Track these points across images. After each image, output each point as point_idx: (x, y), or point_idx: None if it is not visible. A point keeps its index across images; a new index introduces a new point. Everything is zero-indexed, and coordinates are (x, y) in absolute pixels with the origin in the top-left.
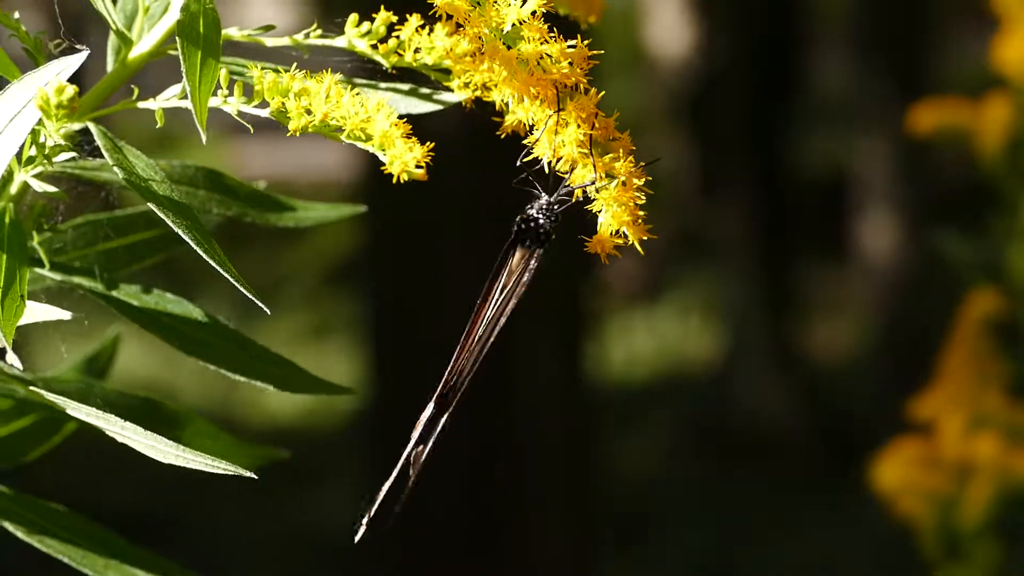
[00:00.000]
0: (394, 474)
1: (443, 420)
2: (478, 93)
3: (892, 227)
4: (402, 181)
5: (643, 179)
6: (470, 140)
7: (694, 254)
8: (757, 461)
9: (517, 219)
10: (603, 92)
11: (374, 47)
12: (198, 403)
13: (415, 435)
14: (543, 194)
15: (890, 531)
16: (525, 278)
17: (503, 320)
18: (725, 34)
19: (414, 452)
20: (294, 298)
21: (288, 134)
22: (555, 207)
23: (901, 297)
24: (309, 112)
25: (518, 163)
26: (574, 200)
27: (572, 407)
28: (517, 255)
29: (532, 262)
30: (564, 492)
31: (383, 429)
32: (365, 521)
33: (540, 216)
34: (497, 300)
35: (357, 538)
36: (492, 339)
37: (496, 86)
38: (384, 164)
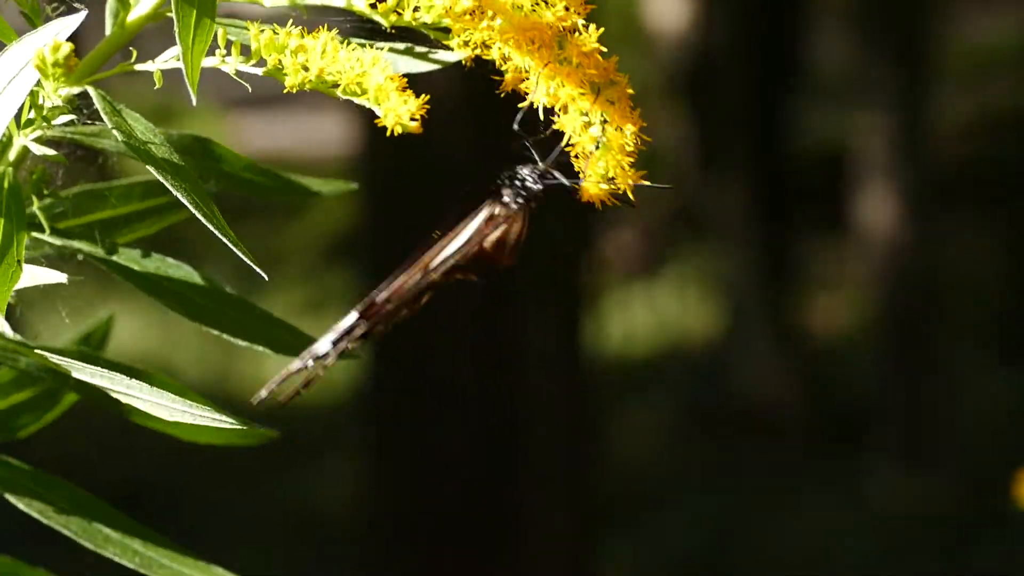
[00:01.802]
0: (297, 363)
1: (357, 333)
2: (477, 51)
3: (892, 204)
4: (396, 134)
5: (638, 124)
6: (470, 114)
7: (693, 230)
8: (756, 438)
9: (502, 176)
10: (603, 29)
11: (372, 6)
12: (194, 381)
13: (331, 334)
14: (538, 161)
15: (888, 509)
16: (491, 233)
17: (447, 265)
18: (724, 9)
19: (324, 352)
20: (291, 273)
21: (285, 90)
22: (547, 175)
23: (900, 274)
24: (306, 69)
25: (515, 124)
26: (567, 177)
27: (570, 384)
28: (488, 209)
29: (502, 222)
30: (563, 470)
31: (380, 405)
32: (263, 395)
33: (528, 178)
34: (456, 247)
35: (254, 400)
36: (434, 282)
37: (495, 43)
38: (379, 118)
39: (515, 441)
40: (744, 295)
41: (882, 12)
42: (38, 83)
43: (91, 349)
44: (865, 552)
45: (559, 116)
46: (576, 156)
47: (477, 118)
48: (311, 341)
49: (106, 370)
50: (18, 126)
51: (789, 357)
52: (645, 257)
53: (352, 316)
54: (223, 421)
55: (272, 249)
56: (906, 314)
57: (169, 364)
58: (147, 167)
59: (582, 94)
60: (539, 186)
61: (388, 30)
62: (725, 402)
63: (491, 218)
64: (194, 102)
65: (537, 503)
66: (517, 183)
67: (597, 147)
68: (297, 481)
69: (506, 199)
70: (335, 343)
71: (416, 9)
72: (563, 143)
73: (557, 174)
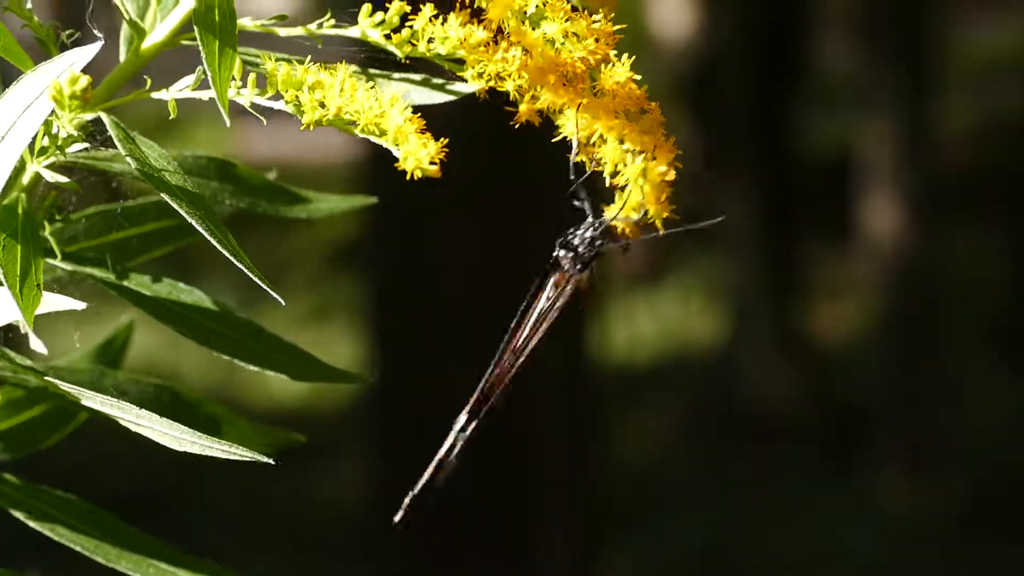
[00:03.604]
0: (425, 477)
1: (472, 427)
2: (492, 83)
3: (896, 209)
4: (415, 178)
5: (673, 154)
6: (472, 120)
7: (697, 236)
8: (760, 443)
9: (560, 243)
10: (634, 57)
11: (387, 37)
12: (200, 385)
13: (447, 443)
14: (589, 215)
15: (891, 512)
16: (560, 303)
17: (534, 343)
18: (728, 15)
19: (447, 458)
20: (297, 279)
21: (302, 128)
22: (599, 242)
23: (904, 279)
24: (323, 105)
25: (571, 174)
26: (618, 236)
27: (575, 389)
28: (554, 279)
29: (568, 287)
30: (567, 475)
31: (385, 409)
32: (400, 513)
33: (583, 249)
34: (532, 321)
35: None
36: (523, 359)
37: (510, 76)
38: (398, 160)
39: (520, 447)
40: (748, 301)
41: (886, 17)
42: (52, 112)
43: (108, 363)
44: (868, 555)
45: (596, 147)
46: (615, 188)
47: (478, 124)
48: (320, 364)
49: (115, 399)
50: (32, 153)
51: (793, 362)
52: (649, 263)
53: (462, 418)
54: (233, 452)
55: (277, 257)
56: (910, 319)
57: (174, 366)
58: (161, 194)
59: (618, 125)
60: (596, 250)
61: (402, 61)
62: (729, 408)
63: (560, 292)
64: (227, 123)
65: (541, 507)
66: (577, 255)
67: (627, 184)
68: (303, 484)
69: (566, 267)
70: (457, 448)
71: (431, 40)
72: (580, 174)
73: (610, 231)
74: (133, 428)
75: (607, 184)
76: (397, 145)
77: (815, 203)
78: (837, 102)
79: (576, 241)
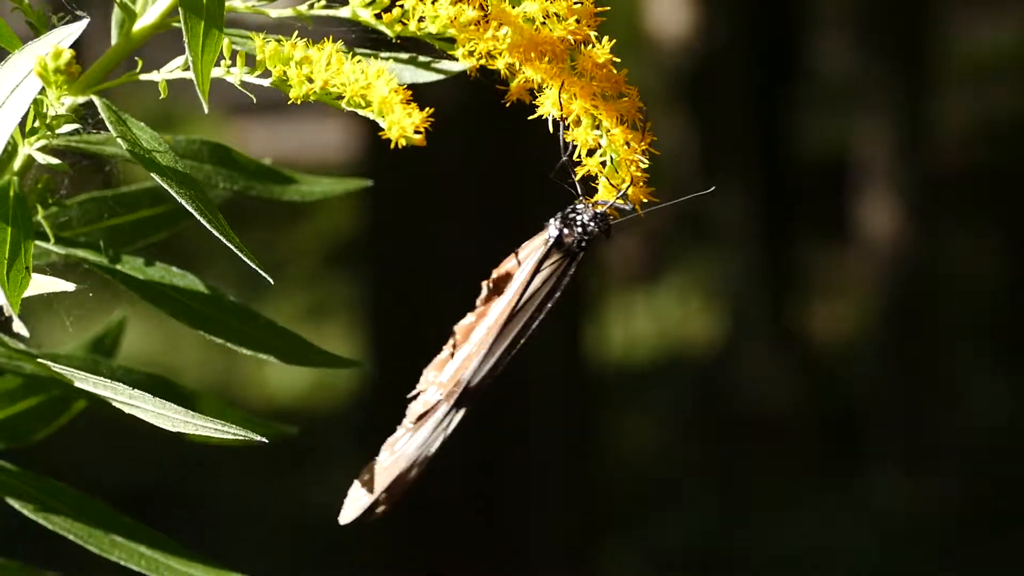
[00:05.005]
0: (392, 477)
1: (458, 418)
2: (482, 62)
3: (893, 209)
4: (400, 147)
5: (648, 139)
6: (471, 120)
7: (695, 235)
8: (757, 442)
9: (559, 222)
10: (614, 40)
11: (378, 17)
12: (197, 384)
13: (430, 429)
14: (579, 195)
15: (888, 512)
16: (564, 282)
17: (535, 326)
18: (726, 15)
19: (422, 456)
20: (294, 279)
21: (289, 102)
22: (607, 219)
23: (901, 278)
24: (310, 80)
25: (563, 155)
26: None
27: (572, 388)
28: (553, 258)
29: (572, 268)
30: (564, 473)
31: (381, 409)
32: (360, 510)
33: (591, 224)
34: (530, 304)
35: (346, 521)
36: (522, 343)
37: (501, 53)
38: (383, 130)
39: (516, 445)
40: (746, 300)
41: (883, 18)
42: (42, 92)
43: (102, 353)
44: (867, 555)
45: (571, 128)
46: (585, 169)
47: (478, 123)
48: (313, 348)
49: (109, 380)
50: (23, 135)
51: (791, 362)
52: (646, 263)
53: (444, 408)
54: (224, 431)
55: (274, 254)
56: (907, 318)
57: (172, 366)
58: (152, 176)
59: (595, 106)
60: (601, 230)
61: (393, 40)
62: (727, 407)
63: (564, 272)
64: (206, 110)
65: (537, 505)
66: (583, 231)
67: (605, 165)
68: (298, 483)
69: (569, 242)
70: (438, 434)
71: (421, 20)
72: (572, 154)
73: (610, 212)
74: (126, 410)
75: (575, 166)
76: (382, 116)
77: (813, 202)
78: (835, 102)
79: (583, 219)
